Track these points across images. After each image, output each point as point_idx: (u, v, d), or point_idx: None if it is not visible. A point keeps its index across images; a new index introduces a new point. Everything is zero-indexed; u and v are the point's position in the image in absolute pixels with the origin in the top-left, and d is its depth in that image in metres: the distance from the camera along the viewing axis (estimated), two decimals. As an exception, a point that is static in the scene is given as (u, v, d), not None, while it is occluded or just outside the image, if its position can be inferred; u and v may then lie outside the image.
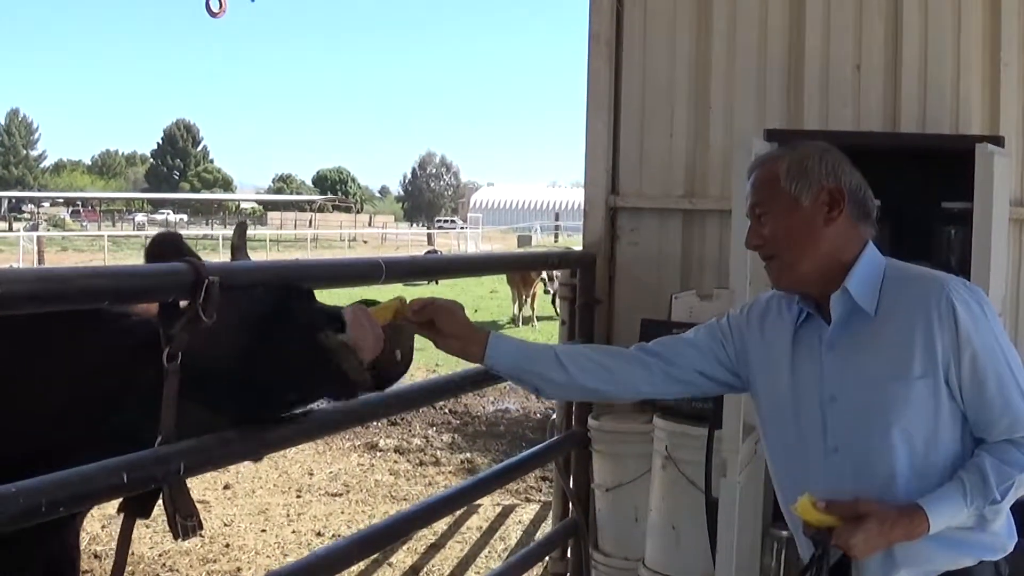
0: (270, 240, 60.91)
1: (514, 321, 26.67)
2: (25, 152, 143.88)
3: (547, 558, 6.91)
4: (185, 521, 3.27)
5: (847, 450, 3.23)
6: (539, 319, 28.63)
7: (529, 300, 27.27)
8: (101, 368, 3.52)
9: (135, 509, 3.51)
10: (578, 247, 7.25)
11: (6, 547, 3.53)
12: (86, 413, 3.53)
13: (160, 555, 8.76)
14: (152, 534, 8.83)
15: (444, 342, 3.60)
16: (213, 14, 8.96)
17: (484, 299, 31.66)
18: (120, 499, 3.43)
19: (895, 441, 3.14)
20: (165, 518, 3.31)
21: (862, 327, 3.21)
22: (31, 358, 3.56)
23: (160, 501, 3.33)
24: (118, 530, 3.59)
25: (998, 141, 5.34)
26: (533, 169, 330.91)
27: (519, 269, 18.71)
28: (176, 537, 3.32)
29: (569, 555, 6.82)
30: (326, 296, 3.72)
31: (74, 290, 2.92)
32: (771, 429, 3.50)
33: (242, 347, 3.35)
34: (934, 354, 3.09)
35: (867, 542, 3.04)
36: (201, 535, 8.04)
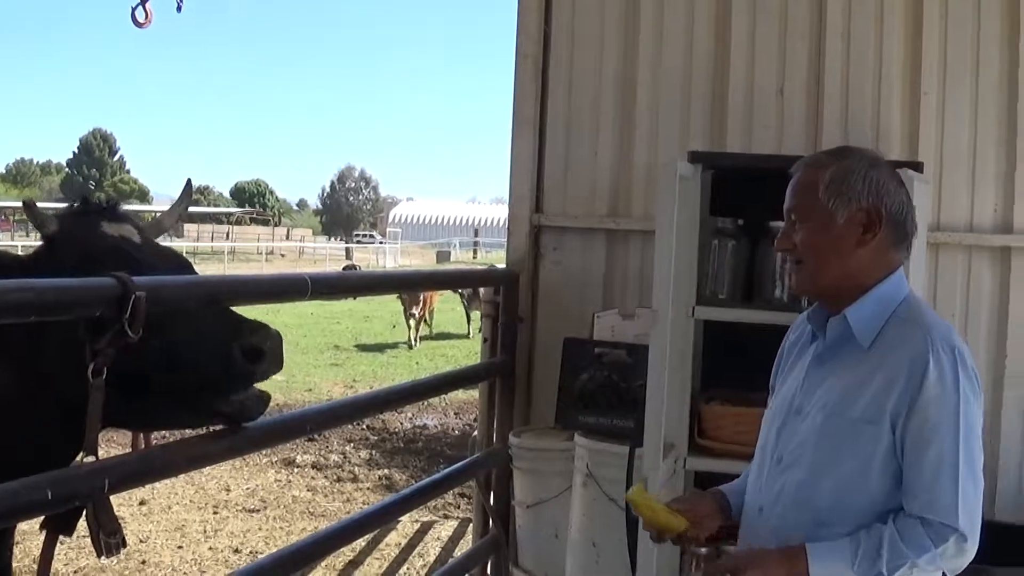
0: (186, 252, 60.40)
1: (409, 344, 26.19)
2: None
3: (467, 574, 6.91)
4: (109, 539, 3.25)
5: (786, 466, 3.24)
6: (439, 337, 28.52)
7: (418, 321, 26.70)
8: (25, 383, 3.50)
9: (58, 526, 3.49)
10: (497, 263, 7.28)
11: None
12: (11, 429, 3.51)
13: (75, 572, 8.67)
14: (67, 551, 8.73)
15: (708, 523, 3.49)
16: (139, 24, 8.90)
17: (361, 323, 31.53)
18: (43, 516, 3.41)
19: (824, 473, 3.13)
20: (82, 535, 3.29)
21: (851, 354, 3.17)
22: None
23: (83, 518, 3.31)
24: (34, 547, 3.57)
25: (917, 167, 5.41)
26: (452, 185, 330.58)
27: (443, 287, 18.79)
28: (100, 555, 3.30)
29: (490, 571, 6.82)
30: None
31: (-1, 306, 2.89)
32: (760, 437, 3.47)
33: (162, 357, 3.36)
34: (887, 404, 3.03)
35: None
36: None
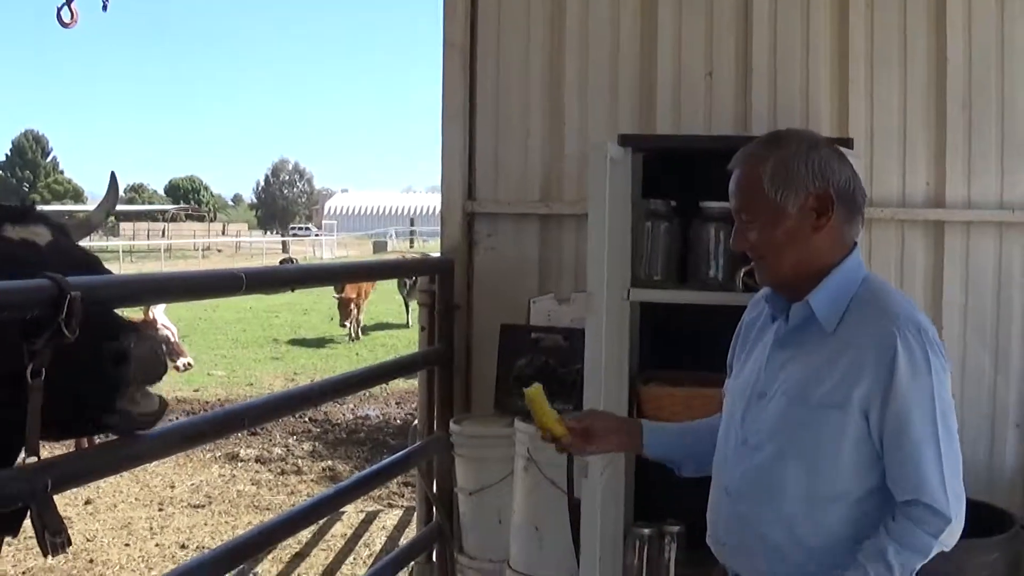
0: (123, 251, 59.93)
1: (350, 337, 26.05)
2: None
3: (413, 563, 6.94)
4: (54, 538, 3.26)
5: (752, 448, 3.23)
6: (378, 328, 28.43)
7: (355, 314, 26.47)
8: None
9: (3, 527, 3.50)
10: (434, 252, 7.30)
11: None
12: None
13: (23, 572, 8.64)
14: (15, 552, 8.70)
15: (606, 443, 3.64)
16: (64, 24, 8.80)
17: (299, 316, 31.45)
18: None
19: (792, 456, 3.13)
20: (28, 535, 3.29)
21: (813, 338, 3.16)
22: None
23: (28, 518, 3.32)
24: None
25: (848, 143, 5.47)
26: (387, 175, 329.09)
27: (377, 278, 18.70)
28: (45, 554, 3.31)
29: (434, 559, 6.85)
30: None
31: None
32: (722, 419, 3.47)
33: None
34: (855, 389, 3.02)
35: None
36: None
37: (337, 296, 25.74)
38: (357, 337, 25.92)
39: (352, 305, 25.66)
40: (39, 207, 4.02)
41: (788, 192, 3.10)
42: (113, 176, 4.51)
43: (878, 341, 3.01)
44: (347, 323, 25.93)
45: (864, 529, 3.09)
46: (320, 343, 25.49)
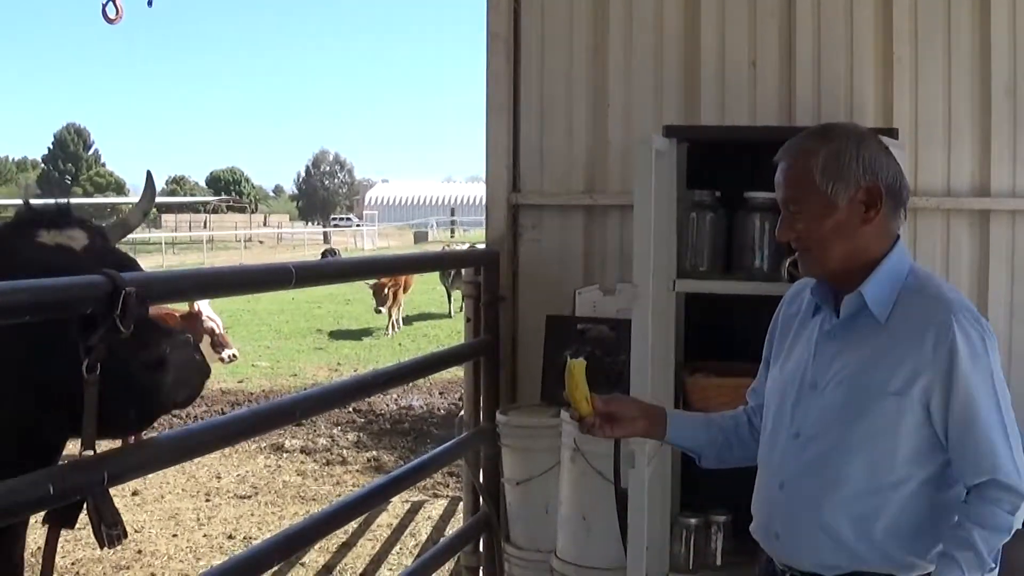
0: (165, 243, 60.21)
1: (386, 329, 25.94)
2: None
3: (460, 553, 6.97)
4: (110, 530, 3.31)
5: (807, 440, 3.25)
6: (421, 318, 28.43)
7: (391, 301, 26.21)
8: (20, 382, 3.55)
9: (60, 519, 3.54)
10: (474, 242, 7.32)
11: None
12: (7, 427, 3.57)
13: (73, 563, 8.72)
14: (64, 543, 8.76)
15: (631, 428, 3.66)
16: (110, 20, 8.86)
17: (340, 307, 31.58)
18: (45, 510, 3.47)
19: (851, 445, 3.16)
20: (78, 527, 3.33)
21: (865, 329, 3.19)
22: None
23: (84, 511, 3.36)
24: (32, 541, 3.63)
25: (892, 133, 5.45)
26: (427, 165, 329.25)
27: (424, 270, 18.77)
28: (102, 546, 3.36)
29: (481, 549, 6.88)
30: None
31: (-4, 306, 2.94)
32: (765, 412, 3.49)
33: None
34: (916, 376, 3.06)
35: None
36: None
37: (370, 284, 25.72)
38: (395, 328, 25.89)
39: (387, 290, 25.49)
40: (79, 201, 4.04)
41: (839, 185, 3.13)
42: (149, 175, 4.54)
43: (935, 328, 3.05)
44: (383, 308, 25.84)
45: (926, 515, 3.14)
46: (363, 333, 25.56)
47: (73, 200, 4.13)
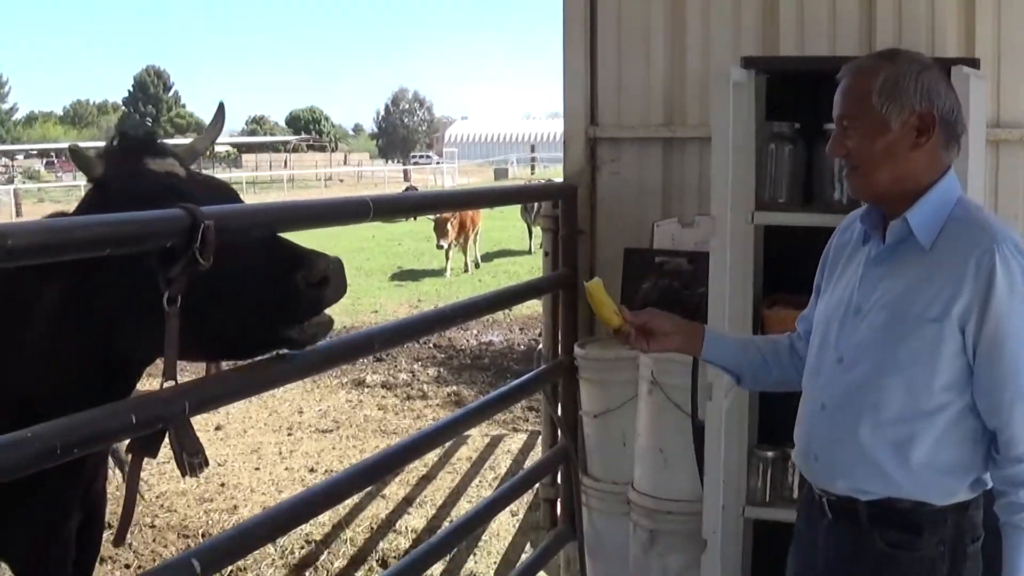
0: (246, 183, 60.60)
1: (454, 270, 25.87)
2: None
3: (538, 484, 7.01)
4: (191, 459, 3.36)
5: (849, 364, 3.29)
6: (501, 255, 28.38)
7: (462, 244, 26.23)
8: (101, 315, 3.61)
9: (143, 448, 3.60)
10: (555, 178, 7.28)
11: (45, 491, 3.67)
12: (90, 359, 3.64)
13: (158, 496, 8.89)
14: (148, 476, 8.94)
15: (666, 343, 3.77)
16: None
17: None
18: (128, 440, 3.53)
19: (890, 370, 3.19)
20: (162, 460, 3.40)
21: (910, 255, 3.21)
22: (31, 311, 3.65)
23: (166, 441, 3.42)
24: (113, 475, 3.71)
25: (974, 63, 5.36)
26: (507, 101, 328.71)
27: (501, 203, 18.77)
28: (184, 474, 3.41)
29: (559, 481, 6.91)
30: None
31: (78, 240, 2.97)
32: (813, 335, 3.54)
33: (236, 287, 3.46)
34: (954, 302, 3.08)
35: None
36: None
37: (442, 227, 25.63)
38: (466, 270, 25.80)
39: (448, 225, 25.39)
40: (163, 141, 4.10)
41: (894, 106, 3.16)
42: (221, 105, 4.57)
43: (977, 255, 3.07)
44: (444, 244, 25.75)
45: (966, 444, 3.18)
46: (444, 271, 25.61)
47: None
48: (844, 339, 3.33)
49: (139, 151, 3.80)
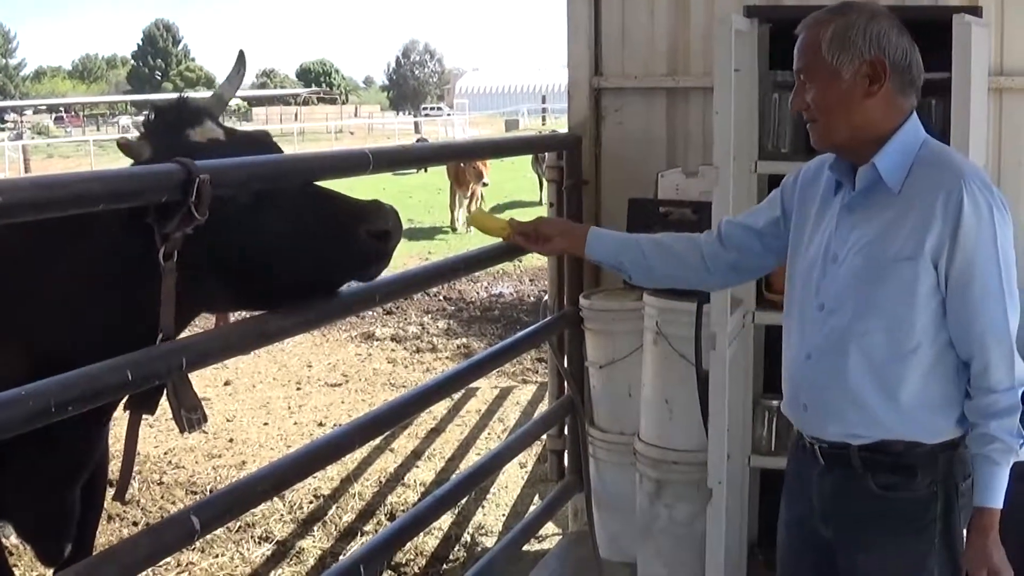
0: (257, 135, 60.20)
1: (452, 226, 25.52)
2: (4, 61, 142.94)
3: (545, 436, 7.02)
4: (190, 415, 3.36)
5: (830, 311, 3.35)
6: (512, 206, 28.21)
7: (468, 201, 25.92)
8: (97, 271, 3.61)
9: (140, 405, 3.61)
10: (565, 129, 7.25)
11: (52, 449, 3.67)
12: (86, 316, 3.63)
13: (166, 453, 8.92)
14: (156, 433, 8.96)
15: (552, 244, 4.01)
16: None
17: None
18: (126, 397, 3.53)
19: (870, 313, 3.26)
20: (169, 416, 3.40)
21: (881, 199, 3.27)
22: (27, 266, 3.65)
23: (164, 397, 3.42)
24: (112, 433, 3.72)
25: (976, 11, 5.33)
26: (518, 53, 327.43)
27: (505, 154, 18.70)
28: (182, 431, 3.41)
29: (566, 432, 6.91)
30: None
31: (71, 195, 2.95)
32: (789, 287, 3.59)
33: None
34: (926, 239, 3.15)
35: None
36: (205, 431, 8.21)
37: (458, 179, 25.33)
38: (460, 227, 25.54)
39: (467, 174, 25.00)
40: (169, 96, 4.08)
41: (844, 56, 3.24)
42: (241, 53, 4.54)
43: (945, 192, 3.14)
44: (465, 195, 25.42)
45: (952, 381, 3.26)
46: (452, 225, 25.53)
47: (164, 96, 4.17)
48: (824, 287, 3.38)
49: (177, 124, 3.78)
